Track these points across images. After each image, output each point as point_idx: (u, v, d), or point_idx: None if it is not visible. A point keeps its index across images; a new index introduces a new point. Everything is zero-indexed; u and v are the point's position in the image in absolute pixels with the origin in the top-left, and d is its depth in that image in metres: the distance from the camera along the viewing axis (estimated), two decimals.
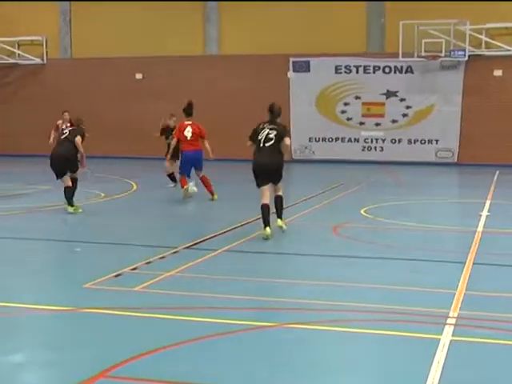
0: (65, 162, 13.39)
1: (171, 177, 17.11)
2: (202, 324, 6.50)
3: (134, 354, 5.64)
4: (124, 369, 5.39)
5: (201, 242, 10.43)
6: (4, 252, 10.28)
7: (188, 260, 9.15)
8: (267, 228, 10.75)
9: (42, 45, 28.04)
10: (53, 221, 12.92)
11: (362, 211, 13.58)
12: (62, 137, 13.63)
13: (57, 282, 8.30)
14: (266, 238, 10.65)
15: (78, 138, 13.35)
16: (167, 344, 5.91)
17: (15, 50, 28.17)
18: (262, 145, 10.92)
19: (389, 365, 5.62)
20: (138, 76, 27.36)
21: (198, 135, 14.81)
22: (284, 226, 11.08)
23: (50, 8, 28.00)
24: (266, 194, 10.95)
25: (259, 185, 10.99)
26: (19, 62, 28.24)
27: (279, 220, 11.07)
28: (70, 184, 13.36)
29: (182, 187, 15.04)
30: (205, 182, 15.04)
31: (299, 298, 7.41)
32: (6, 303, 7.15)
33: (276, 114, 11.13)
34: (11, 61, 28.17)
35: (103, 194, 15.96)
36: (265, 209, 10.83)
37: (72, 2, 28.01)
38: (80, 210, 13.29)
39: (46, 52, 28.20)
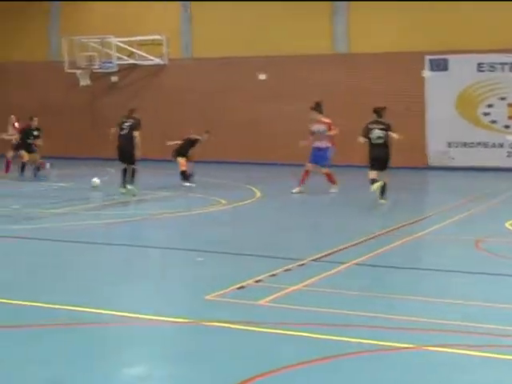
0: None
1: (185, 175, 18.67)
2: (330, 342, 6.46)
3: (258, 372, 5.66)
4: None
5: (329, 254, 10.39)
6: (124, 260, 10.63)
7: (315, 273, 9.13)
8: (374, 184, 15.49)
9: (163, 44, 28.82)
10: (172, 228, 13.22)
11: (507, 224, 13.17)
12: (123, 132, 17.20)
13: (178, 292, 8.47)
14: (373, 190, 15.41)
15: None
16: (293, 363, 5.89)
17: (135, 50, 29.05)
18: (374, 142, 15.64)
19: None
20: (262, 76, 27.60)
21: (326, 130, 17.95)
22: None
23: (170, 7, 28.74)
24: (374, 173, 15.61)
25: (371, 169, 15.63)
26: (139, 62, 29.11)
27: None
28: None
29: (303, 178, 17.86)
30: (329, 177, 17.86)
31: (437, 318, 7.21)
32: (127, 313, 7.35)
33: (380, 115, 15.79)
34: (131, 61, 29.08)
35: (224, 202, 16.20)
36: (371, 179, 15.67)
37: (192, 2, 28.64)
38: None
39: (167, 52, 28.96)
